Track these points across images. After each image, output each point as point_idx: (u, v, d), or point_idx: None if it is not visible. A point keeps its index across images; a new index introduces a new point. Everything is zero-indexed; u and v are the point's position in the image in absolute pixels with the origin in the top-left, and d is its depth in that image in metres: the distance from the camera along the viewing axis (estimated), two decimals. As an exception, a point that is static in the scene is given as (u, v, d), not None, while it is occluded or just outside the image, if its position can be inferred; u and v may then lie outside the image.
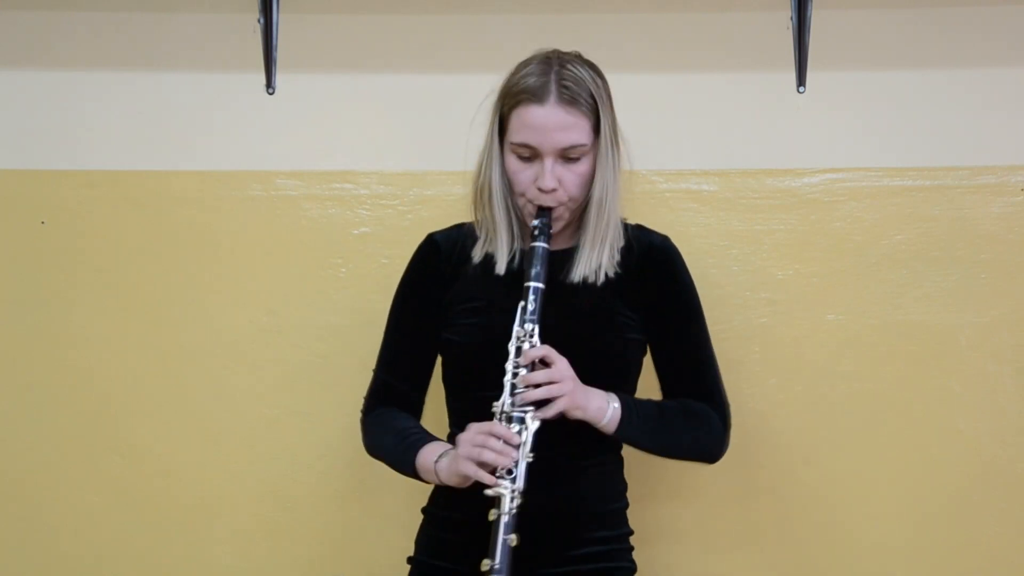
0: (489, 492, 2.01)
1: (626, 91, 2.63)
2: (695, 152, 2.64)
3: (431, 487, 2.22)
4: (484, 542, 2.03)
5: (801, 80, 2.63)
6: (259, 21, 2.63)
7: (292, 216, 2.63)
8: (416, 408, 2.29)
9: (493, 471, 2.01)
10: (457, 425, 2.20)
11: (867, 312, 2.61)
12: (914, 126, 2.64)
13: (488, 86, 2.50)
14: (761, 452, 2.60)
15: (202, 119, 2.65)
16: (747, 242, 2.62)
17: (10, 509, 2.62)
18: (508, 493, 2.00)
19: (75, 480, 2.61)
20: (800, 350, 2.61)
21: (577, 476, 2.15)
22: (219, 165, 2.64)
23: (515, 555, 2.00)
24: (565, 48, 2.21)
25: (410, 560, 2.25)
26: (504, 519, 2.00)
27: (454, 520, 2.17)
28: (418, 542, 2.26)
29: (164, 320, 2.63)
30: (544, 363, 2.07)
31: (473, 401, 2.15)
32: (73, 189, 2.64)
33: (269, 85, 2.65)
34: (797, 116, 2.64)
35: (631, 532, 2.25)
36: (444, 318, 2.23)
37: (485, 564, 1.98)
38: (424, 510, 2.26)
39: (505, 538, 1.99)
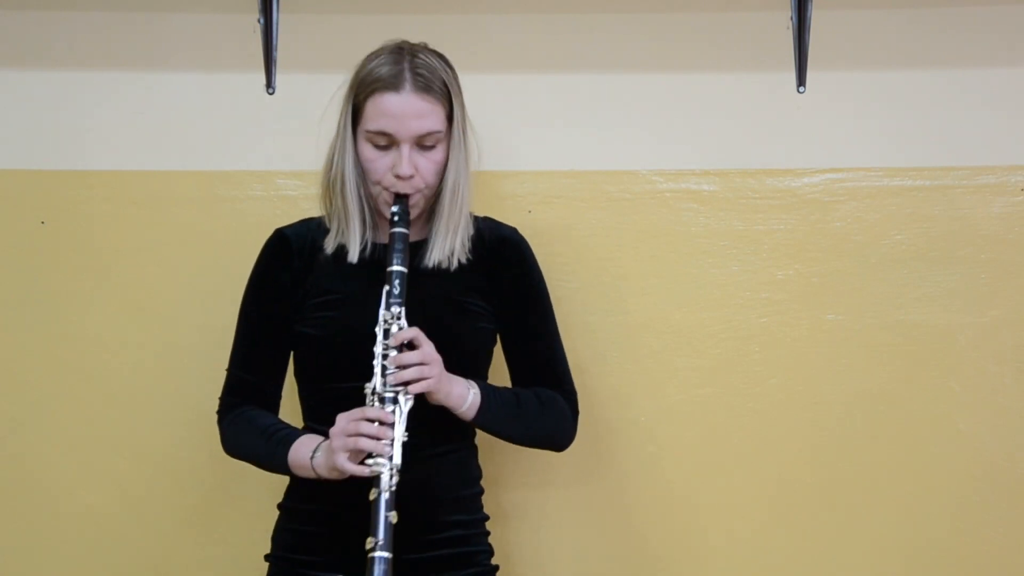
0: (367, 473, 2.02)
1: (626, 91, 2.65)
2: (695, 152, 2.64)
3: (286, 481, 2.25)
4: (344, 533, 2.10)
5: (801, 80, 2.63)
6: (259, 21, 2.63)
7: (292, 216, 2.61)
8: (274, 404, 2.30)
9: (368, 457, 2.03)
10: (311, 418, 2.24)
11: (867, 312, 2.61)
12: (914, 126, 2.64)
13: (489, 86, 2.52)
14: (761, 452, 2.60)
15: (202, 119, 2.65)
16: (747, 242, 2.62)
17: (10, 509, 2.62)
18: (386, 471, 2.02)
19: (75, 480, 2.61)
20: (800, 350, 2.61)
21: (432, 462, 2.16)
22: (219, 165, 2.64)
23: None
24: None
25: (267, 557, 2.26)
26: (384, 496, 2.02)
27: (313, 513, 2.18)
28: (276, 539, 2.26)
29: (164, 320, 2.62)
30: (412, 345, 2.10)
31: (328, 392, 2.18)
32: (73, 189, 2.63)
33: (269, 85, 2.65)
34: (797, 116, 2.64)
35: (487, 517, 2.29)
36: (298, 311, 2.24)
37: (369, 542, 2.00)
38: (280, 505, 2.27)
39: (387, 515, 2.01)
